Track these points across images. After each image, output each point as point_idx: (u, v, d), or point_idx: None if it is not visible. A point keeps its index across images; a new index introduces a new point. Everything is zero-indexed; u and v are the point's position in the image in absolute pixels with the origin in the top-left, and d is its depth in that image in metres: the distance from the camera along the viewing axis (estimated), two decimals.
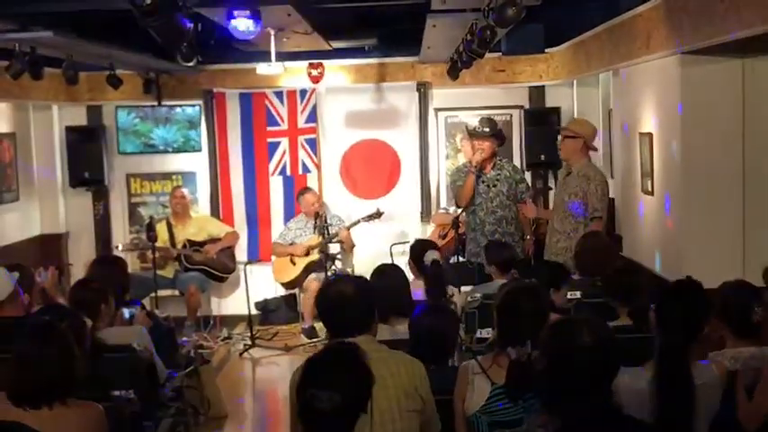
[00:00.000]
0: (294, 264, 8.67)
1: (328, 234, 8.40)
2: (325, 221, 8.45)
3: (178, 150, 9.38)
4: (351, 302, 3.27)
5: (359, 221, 8.61)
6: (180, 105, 9.32)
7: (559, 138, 6.80)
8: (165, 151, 9.38)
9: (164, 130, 9.39)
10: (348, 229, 8.63)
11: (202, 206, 9.33)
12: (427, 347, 3.81)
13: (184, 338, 7.63)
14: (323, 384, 2.49)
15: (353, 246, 8.78)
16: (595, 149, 6.93)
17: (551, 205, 8.03)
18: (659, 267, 5.97)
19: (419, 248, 5.72)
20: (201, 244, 8.77)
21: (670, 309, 3.39)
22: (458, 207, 7.72)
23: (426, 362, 3.40)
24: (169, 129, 9.39)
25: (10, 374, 3.19)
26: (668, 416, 3.13)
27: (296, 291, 8.99)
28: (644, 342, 3.52)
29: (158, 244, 8.29)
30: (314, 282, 8.43)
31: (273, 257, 8.91)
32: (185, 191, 9.03)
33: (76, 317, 3.98)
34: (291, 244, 8.74)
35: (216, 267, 8.83)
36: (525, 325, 3.32)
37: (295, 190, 9.19)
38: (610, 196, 7.63)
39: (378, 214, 8.58)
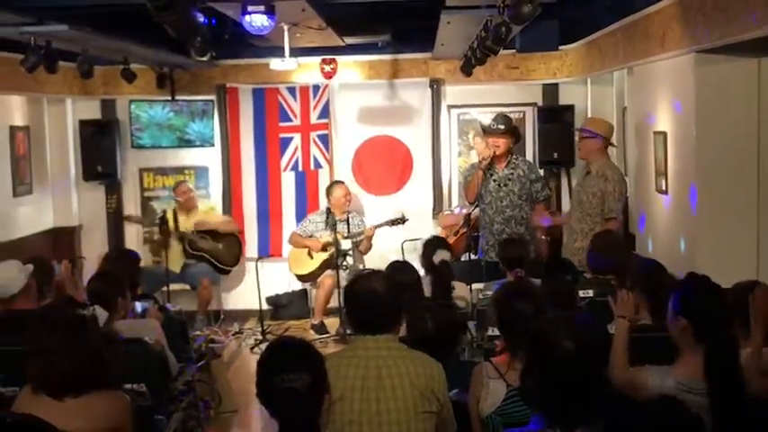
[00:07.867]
0: (312, 258, 8.66)
1: (335, 231, 8.32)
2: (346, 220, 8.41)
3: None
4: (380, 301, 3.21)
5: (382, 225, 8.57)
6: (193, 100, 9.33)
7: (577, 137, 6.77)
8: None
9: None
10: (374, 228, 8.59)
11: (215, 201, 9.34)
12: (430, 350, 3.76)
13: (197, 332, 7.64)
14: (291, 368, 2.64)
15: (370, 247, 8.73)
16: (614, 146, 6.93)
17: (563, 205, 7.98)
18: (672, 266, 5.94)
19: (431, 246, 5.75)
20: (206, 233, 8.79)
21: (706, 306, 3.25)
22: (468, 203, 7.68)
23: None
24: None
25: (33, 365, 3.16)
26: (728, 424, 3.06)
27: (308, 286, 8.99)
28: (665, 341, 3.42)
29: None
30: (328, 278, 8.42)
31: (290, 247, 8.88)
32: (188, 185, 9.03)
33: (89, 309, 3.98)
34: (310, 237, 8.74)
35: (219, 258, 8.84)
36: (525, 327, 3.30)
37: (307, 185, 9.20)
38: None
39: (402, 220, 8.53)
